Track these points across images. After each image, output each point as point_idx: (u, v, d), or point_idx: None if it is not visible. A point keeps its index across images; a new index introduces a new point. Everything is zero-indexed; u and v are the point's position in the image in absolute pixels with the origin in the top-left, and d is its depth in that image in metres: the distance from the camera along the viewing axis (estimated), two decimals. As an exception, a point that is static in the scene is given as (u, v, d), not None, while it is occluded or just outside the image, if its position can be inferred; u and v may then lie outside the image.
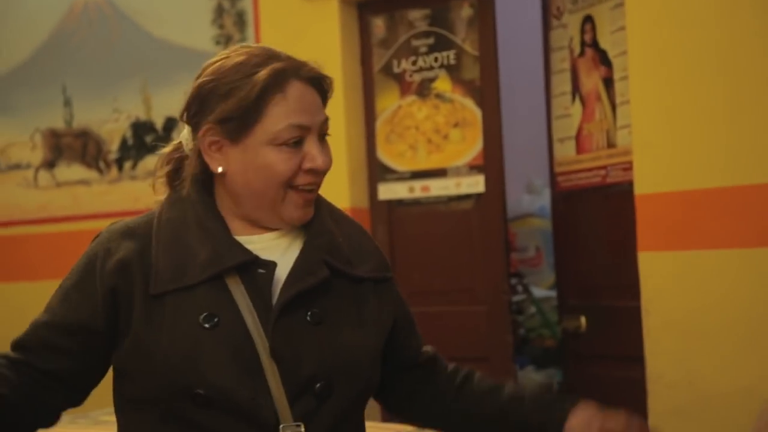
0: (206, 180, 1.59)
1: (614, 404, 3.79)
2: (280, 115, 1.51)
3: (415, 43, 4.07)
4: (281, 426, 1.47)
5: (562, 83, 3.84)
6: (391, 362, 1.67)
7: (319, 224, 1.61)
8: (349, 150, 4.05)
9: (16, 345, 1.54)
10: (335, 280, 1.57)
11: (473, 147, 3.96)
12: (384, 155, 4.13)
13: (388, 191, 4.12)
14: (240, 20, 4.31)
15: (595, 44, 3.67)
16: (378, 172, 4.13)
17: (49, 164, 4.90)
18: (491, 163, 3.93)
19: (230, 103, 1.52)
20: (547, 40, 3.91)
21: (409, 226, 4.08)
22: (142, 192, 4.20)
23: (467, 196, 3.97)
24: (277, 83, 1.52)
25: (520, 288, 4.96)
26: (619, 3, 3.44)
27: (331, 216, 1.64)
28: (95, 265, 1.52)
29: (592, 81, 3.69)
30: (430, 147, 4.04)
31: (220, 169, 1.55)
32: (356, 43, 4.13)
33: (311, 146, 1.54)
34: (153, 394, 1.47)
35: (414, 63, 4.07)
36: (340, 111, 3.97)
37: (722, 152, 3.17)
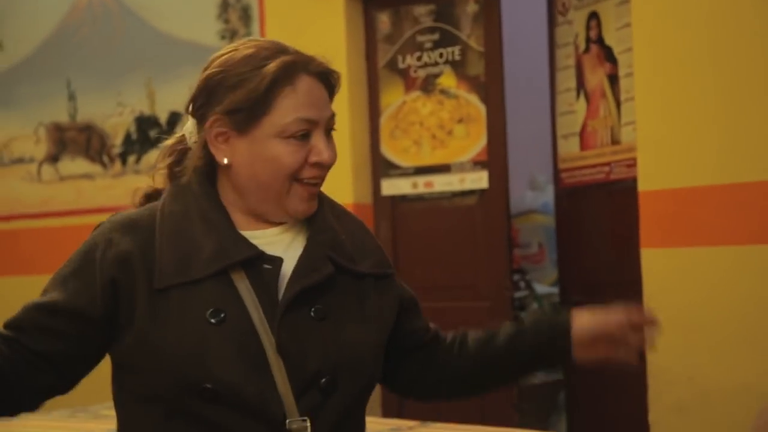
0: (209, 173, 1.58)
1: (614, 400, 3.78)
2: (289, 108, 1.51)
3: (420, 38, 4.08)
4: (288, 421, 1.47)
5: (566, 80, 3.85)
6: (397, 349, 1.67)
7: (321, 220, 1.60)
8: (353, 145, 4.06)
9: (8, 325, 1.52)
10: (338, 276, 1.56)
11: (477, 143, 3.97)
12: (388, 151, 4.14)
13: (392, 187, 4.13)
14: (245, 15, 4.32)
15: (600, 41, 3.68)
16: (381, 167, 4.14)
17: (53, 158, 4.92)
18: (495, 159, 3.94)
19: (239, 94, 1.51)
20: (553, 36, 3.92)
21: (413, 222, 4.09)
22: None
23: (471, 192, 3.98)
24: (287, 76, 1.51)
25: (522, 284, 4.96)
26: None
27: (333, 212, 1.63)
28: (95, 254, 1.51)
29: (596, 77, 3.70)
30: (434, 143, 4.05)
31: (225, 161, 1.54)
32: (361, 38, 4.14)
33: (318, 140, 1.53)
34: (159, 390, 1.46)
35: (419, 59, 4.08)
36: (344, 106, 3.97)
37: (726, 149, 3.18)
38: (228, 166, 1.55)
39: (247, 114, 1.51)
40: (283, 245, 1.57)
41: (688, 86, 3.25)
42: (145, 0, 4.59)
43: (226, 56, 1.55)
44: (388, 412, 3.67)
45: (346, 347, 1.53)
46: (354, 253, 1.60)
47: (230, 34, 4.36)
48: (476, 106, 3.97)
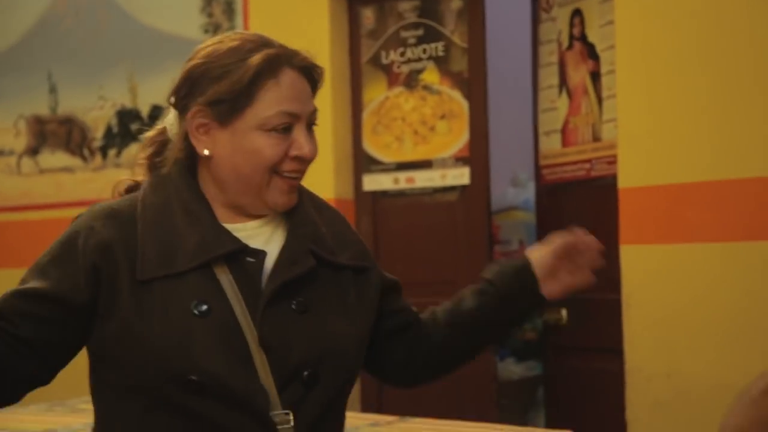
0: (190, 165, 1.59)
1: (593, 395, 3.81)
2: (272, 101, 1.53)
3: (404, 34, 4.08)
4: (271, 413, 1.48)
5: (549, 76, 3.86)
6: (382, 332, 1.69)
7: (302, 213, 1.62)
8: (335, 141, 4.07)
9: None
10: (320, 269, 1.58)
11: (459, 139, 3.98)
12: (370, 146, 4.14)
13: (374, 182, 4.13)
14: (229, 9, 4.32)
15: (583, 38, 3.68)
16: (363, 163, 4.15)
17: (33, 151, 4.91)
18: (477, 155, 3.95)
19: (222, 85, 1.52)
20: (536, 33, 3.93)
21: (394, 218, 4.10)
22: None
23: (452, 188, 3.99)
24: (270, 69, 1.53)
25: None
26: None
27: (313, 205, 1.66)
28: (77, 242, 1.51)
29: (579, 74, 3.71)
30: (416, 138, 4.06)
31: (206, 152, 1.55)
32: (345, 33, 4.14)
33: (299, 134, 1.55)
34: (141, 381, 1.47)
35: (402, 54, 4.08)
36: (327, 101, 3.97)
37: (706, 147, 3.20)
38: (209, 158, 1.56)
39: (230, 105, 1.52)
40: (264, 238, 1.58)
41: (669, 84, 3.27)
42: (128, -10, 4.59)
43: (210, 48, 1.56)
44: (367, 408, 3.69)
45: (327, 340, 1.55)
46: (334, 246, 1.62)
47: (214, 28, 4.35)
48: (459, 102, 3.98)
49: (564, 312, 3.72)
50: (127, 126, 4.58)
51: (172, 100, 1.59)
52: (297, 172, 1.57)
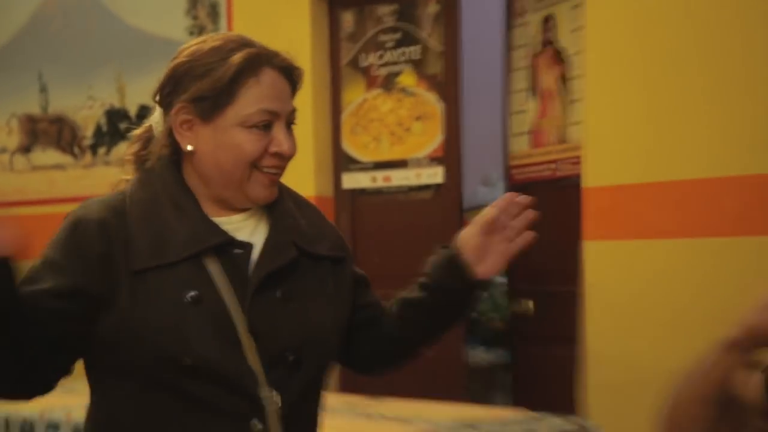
0: (175, 161, 1.60)
1: (555, 380, 3.82)
2: (253, 99, 1.53)
3: (382, 38, 4.06)
4: (259, 393, 1.51)
5: (520, 80, 3.84)
6: (353, 325, 1.70)
7: (283, 208, 1.62)
8: (315, 140, 4.05)
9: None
10: (300, 259, 1.59)
11: (434, 140, 3.98)
12: (349, 146, 4.14)
13: (352, 180, 4.13)
14: (213, 12, 4.30)
15: (554, 42, 3.68)
16: (342, 162, 4.14)
17: (25, 149, 4.88)
18: (450, 155, 3.95)
19: (205, 83, 1.52)
20: (509, 38, 3.91)
21: (371, 214, 4.10)
22: (115, 177, 4.21)
23: (426, 187, 3.99)
24: (251, 68, 1.52)
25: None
26: (579, 3, 3.45)
27: (292, 201, 1.66)
28: (80, 235, 1.50)
29: (549, 78, 3.70)
30: (393, 139, 4.05)
31: (190, 147, 1.56)
32: (325, 36, 4.11)
33: (279, 132, 1.55)
34: (138, 364, 1.47)
35: (380, 57, 4.06)
36: (307, 103, 3.95)
37: (666, 149, 3.21)
38: (192, 153, 1.56)
39: (212, 102, 1.52)
40: (248, 230, 1.59)
41: (633, 88, 3.27)
42: (116, -7, 4.59)
43: (194, 47, 1.56)
44: (345, 389, 3.70)
45: (309, 326, 1.57)
46: (313, 238, 1.63)
47: (198, 30, 4.33)
48: (434, 105, 3.99)
49: (531, 303, 3.74)
50: (115, 125, 4.56)
51: (157, 97, 1.59)
52: (276, 167, 1.57)
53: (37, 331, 1.44)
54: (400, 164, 4.05)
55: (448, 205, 3.98)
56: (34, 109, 4.86)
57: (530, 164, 3.81)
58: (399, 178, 4.05)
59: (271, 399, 1.51)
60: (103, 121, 4.65)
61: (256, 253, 1.57)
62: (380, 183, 4.09)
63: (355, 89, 4.13)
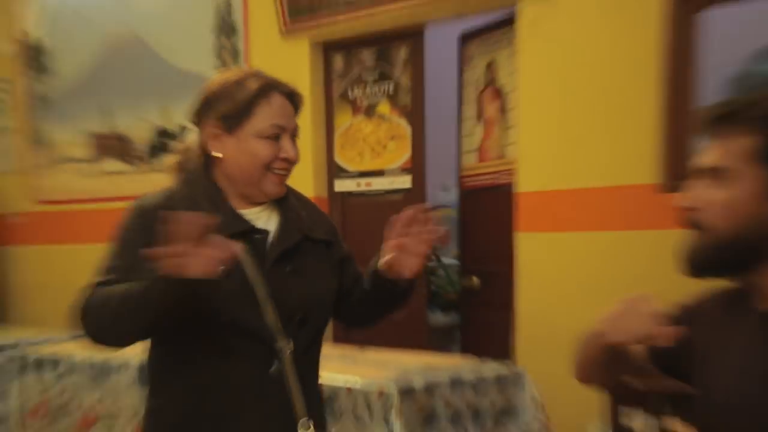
0: (208, 166, 1.60)
1: (495, 336, 3.80)
2: (265, 116, 1.53)
3: (365, 75, 4.03)
4: (277, 343, 1.51)
5: (470, 110, 3.83)
6: (343, 291, 1.70)
7: (289, 203, 1.63)
8: (314, 153, 4.02)
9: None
10: (303, 242, 1.60)
11: (404, 155, 3.95)
12: (339, 158, 4.10)
13: (342, 185, 4.09)
14: (235, 54, 4.25)
15: (495, 82, 3.66)
16: (335, 171, 4.10)
17: (95, 159, 4.84)
18: (416, 167, 3.93)
19: (229, 104, 1.53)
20: (461, 77, 3.89)
21: (357, 212, 4.06)
22: (163, 180, 4.18)
23: (398, 191, 3.96)
24: (264, 93, 1.53)
25: (433, 257, 4.95)
26: (514, 51, 3.42)
27: (295, 197, 1.67)
28: (143, 216, 1.48)
29: (491, 109, 3.68)
30: (373, 154, 4.02)
31: (218, 155, 1.55)
32: (321, 74, 4.07)
33: (286, 142, 1.55)
34: (189, 322, 1.43)
35: (364, 91, 4.02)
36: (308, 125, 3.92)
37: (580, 164, 3.20)
38: (220, 159, 1.56)
39: (235, 119, 1.53)
40: (264, 220, 1.60)
41: (553, 118, 3.26)
42: (161, 40, 4.53)
43: (220, 78, 1.58)
44: (337, 341, 3.69)
45: (312, 293, 1.59)
46: (312, 226, 1.65)
47: (223, 68, 4.31)
48: (404, 128, 3.96)
49: (476, 279, 3.74)
50: (163, 141, 4.55)
51: (193, 116, 1.59)
52: (284, 169, 1.58)
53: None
54: (379, 173, 4.01)
55: (415, 204, 3.93)
56: (102, 129, 4.83)
57: (477, 174, 3.79)
58: (378, 184, 4.01)
59: (285, 347, 1.52)
60: (153, 138, 4.63)
61: (270, 237, 1.57)
62: (363, 187, 4.05)
63: (344, 115, 4.09)
